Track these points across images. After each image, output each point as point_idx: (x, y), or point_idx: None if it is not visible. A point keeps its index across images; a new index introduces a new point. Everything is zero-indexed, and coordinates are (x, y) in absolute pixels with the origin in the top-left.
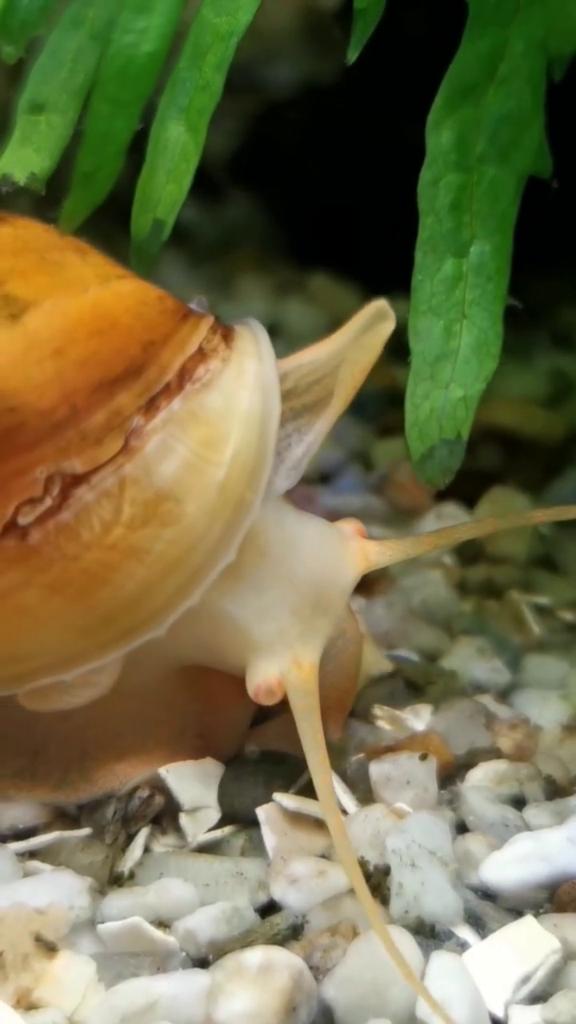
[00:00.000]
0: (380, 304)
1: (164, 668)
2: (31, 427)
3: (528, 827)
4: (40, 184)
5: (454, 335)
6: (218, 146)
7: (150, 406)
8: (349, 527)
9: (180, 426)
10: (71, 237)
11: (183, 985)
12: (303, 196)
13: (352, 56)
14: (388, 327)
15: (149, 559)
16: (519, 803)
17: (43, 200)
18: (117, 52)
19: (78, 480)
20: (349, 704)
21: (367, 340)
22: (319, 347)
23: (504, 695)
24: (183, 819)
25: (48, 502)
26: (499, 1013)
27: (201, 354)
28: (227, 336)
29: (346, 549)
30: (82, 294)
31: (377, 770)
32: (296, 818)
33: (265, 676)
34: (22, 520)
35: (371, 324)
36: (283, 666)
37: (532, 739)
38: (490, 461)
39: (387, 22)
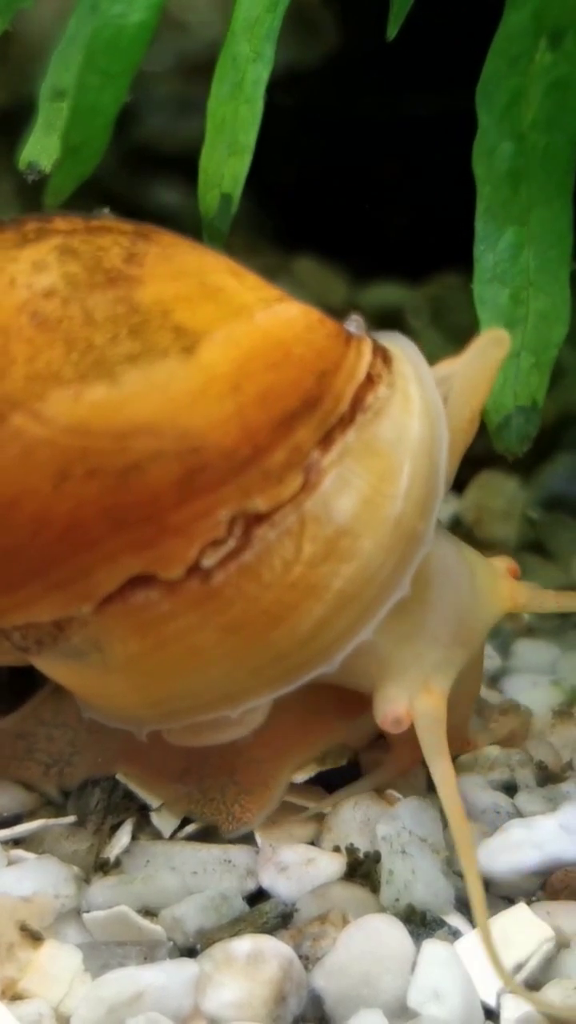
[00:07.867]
0: (500, 332)
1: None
2: (215, 467)
3: (520, 814)
4: None
5: (522, 303)
6: (201, 130)
7: (326, 440)
8: (503, 564)
9: (356, 459)
10: (217, 255)
11: (171, 975)
12: (289, 180)
13: (392, 32)
14: (501, 353)
15: (327, 596)
16: (510, 789)
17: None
18: (105, 23)
19: (260, 519)
20: (465, 732)
21: (482, 363)
22: (446, 364)
23: (494, 680)
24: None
25: (231, 543)
26: (491, 1002)
27: (370, 381)
28: (386, 359)
29: (496, 585)
30: (249, 322)
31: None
32: (285, 806)
33: (394, 704)
34: (206, 562)
35: (487, 348)
36: (413, 691)
37: (523, 725)
38: (479, 445)
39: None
